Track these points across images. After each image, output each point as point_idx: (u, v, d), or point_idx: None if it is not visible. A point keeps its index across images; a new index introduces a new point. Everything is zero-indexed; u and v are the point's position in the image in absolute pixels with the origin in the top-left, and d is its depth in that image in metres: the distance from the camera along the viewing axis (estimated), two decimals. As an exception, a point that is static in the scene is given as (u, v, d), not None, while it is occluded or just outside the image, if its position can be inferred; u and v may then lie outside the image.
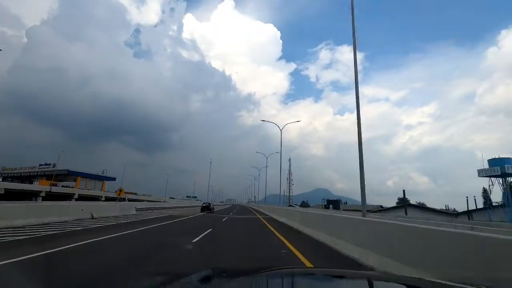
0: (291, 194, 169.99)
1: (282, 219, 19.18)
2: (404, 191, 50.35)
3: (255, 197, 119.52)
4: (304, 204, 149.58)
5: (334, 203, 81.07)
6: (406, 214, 49.73)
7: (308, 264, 6.04)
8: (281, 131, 29.74)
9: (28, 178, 74.43)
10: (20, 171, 77.04)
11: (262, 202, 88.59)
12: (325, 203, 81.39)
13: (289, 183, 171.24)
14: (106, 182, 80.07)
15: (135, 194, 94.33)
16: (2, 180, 71.12)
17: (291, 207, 70.58)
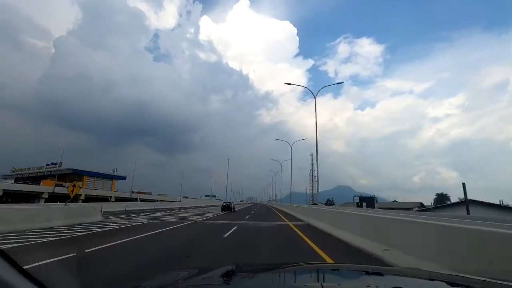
0: (314, 191, 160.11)
1: (342, 235, 10.69)
2: (464, 184, 39.47)
3: (276, 195, 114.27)
4: (329, 202, 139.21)
5: (367, 201, 70.90)
6: (468, 213, 39.19)
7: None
8: (315, 97, 21.08)
9: (37, 178, 70.46)
10: (29, 171, 73.35)
11: (284, 201, 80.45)
12: (357, 201, 71.34)
13: (312, 180, 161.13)
14: (116, 182, 74.66)
15: (150, 194, 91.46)
16: (15, 182, 67.73)
17: (314, 206, 61.43)
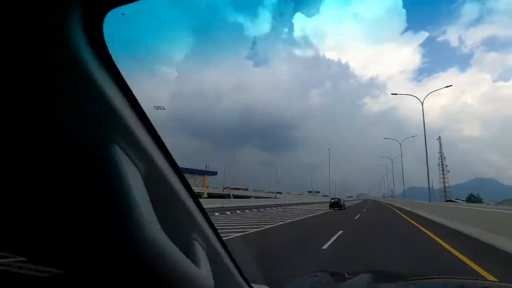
0: (446, 185, 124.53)
1: None
2: None
3: (392, 190, 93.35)
4: (473, 199, 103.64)
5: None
6: None
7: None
8: None
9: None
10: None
11: (401, 196, 60.66)
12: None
13: (443, 171, 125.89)
14: (208, 178, 72.79)
15: (246, 190, 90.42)
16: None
17: (451, 203, 41.19)
